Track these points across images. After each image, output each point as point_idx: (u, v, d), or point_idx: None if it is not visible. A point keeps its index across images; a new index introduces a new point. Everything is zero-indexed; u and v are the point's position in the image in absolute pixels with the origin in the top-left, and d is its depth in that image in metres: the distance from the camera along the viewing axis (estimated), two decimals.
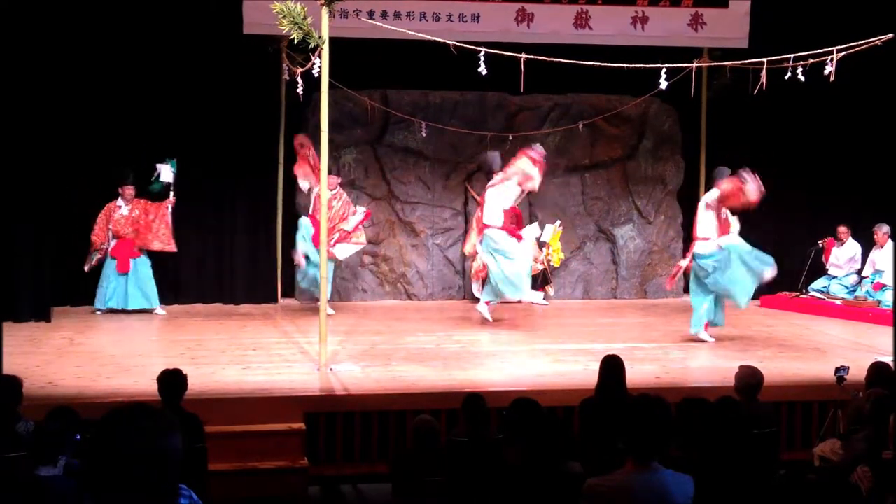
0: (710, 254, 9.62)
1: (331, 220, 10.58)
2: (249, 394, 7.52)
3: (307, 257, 11.02)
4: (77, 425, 4.88)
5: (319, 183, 8.87)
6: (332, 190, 10.90)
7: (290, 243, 11.70)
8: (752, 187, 9.38)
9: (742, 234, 13.16)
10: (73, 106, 11.23)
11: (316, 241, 10.08)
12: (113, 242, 11.24)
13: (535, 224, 12.52)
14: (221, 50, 11.52)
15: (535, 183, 10.50)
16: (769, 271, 9.68)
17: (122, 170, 11.25)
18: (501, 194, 10.50)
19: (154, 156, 11.46)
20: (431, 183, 12.97)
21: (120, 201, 11.27)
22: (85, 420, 5.19)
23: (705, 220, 9.72)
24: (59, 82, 10.94)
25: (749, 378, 6.29)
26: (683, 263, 10.13)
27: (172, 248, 11.42)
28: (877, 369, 6.50)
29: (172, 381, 5.94)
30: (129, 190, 11.25)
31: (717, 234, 9.66)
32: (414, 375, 8.17)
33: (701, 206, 9.89)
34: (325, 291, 8.64)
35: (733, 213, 9.97)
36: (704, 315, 9.77)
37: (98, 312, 11.17)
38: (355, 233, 11.41)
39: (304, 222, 11.22)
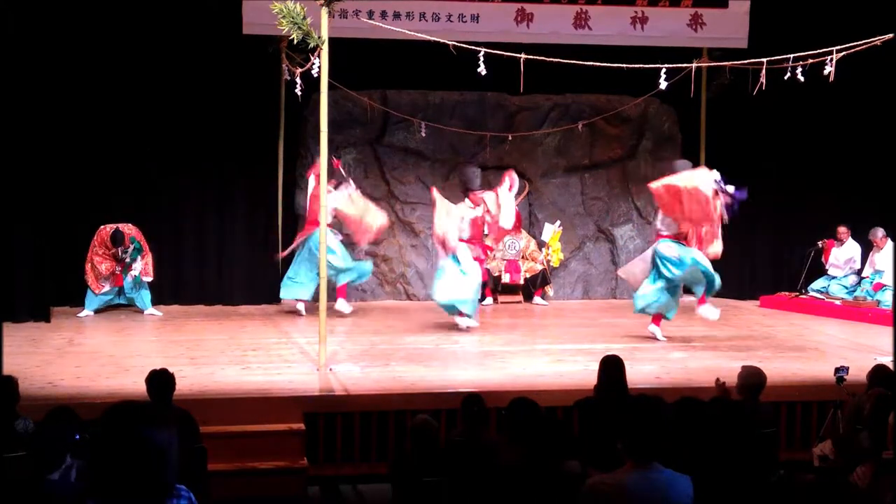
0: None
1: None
2: (249, 394, 7.51)
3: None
4: (77, 425, 4.87)
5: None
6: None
7: (289, 244, 11.70)
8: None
9: (743, 234, 13.25)
10: (72, 106, 11.22)
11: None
12: None
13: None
14: (221, 50, 11.50)
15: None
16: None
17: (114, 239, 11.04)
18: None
19: (154, 155, 11.51)
20: (431, 183, 12.93)
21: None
22: (85, 420, 5.19)
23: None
24: (58, 82, 10.95)
25: (753, 378, 6.28)
26: None
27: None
28: (878, 372, 6.47)
29: (161, 380, 5.92)
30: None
31: None
32: (413, 375, 8.17)
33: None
34: (324, 291, 8.59)
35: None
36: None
37: (85, 314, 11.04)
38: None
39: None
